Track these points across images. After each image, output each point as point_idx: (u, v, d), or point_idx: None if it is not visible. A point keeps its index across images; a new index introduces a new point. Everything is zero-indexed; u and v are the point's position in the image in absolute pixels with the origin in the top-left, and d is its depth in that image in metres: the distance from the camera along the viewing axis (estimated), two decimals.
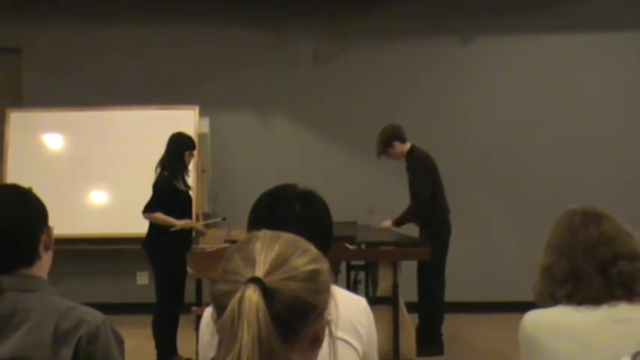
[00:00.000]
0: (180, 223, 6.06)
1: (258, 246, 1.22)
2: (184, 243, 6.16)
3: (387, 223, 6.74)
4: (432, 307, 6.56)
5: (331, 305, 1.24)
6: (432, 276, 6.46)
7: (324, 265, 1.24)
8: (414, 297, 6.57)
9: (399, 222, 6.70)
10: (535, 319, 2.12)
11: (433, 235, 6.39)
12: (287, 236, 1.26)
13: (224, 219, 7.18)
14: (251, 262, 1.19)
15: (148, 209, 6.08)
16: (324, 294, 1.22)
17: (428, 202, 6.51)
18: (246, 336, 1.10)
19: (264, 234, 1.26)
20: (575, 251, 2.13)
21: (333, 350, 1.25)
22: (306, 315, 1.18)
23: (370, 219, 7.05)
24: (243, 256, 1.21)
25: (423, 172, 6.57)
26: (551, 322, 2.08)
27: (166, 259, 6.05)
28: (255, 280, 1.15)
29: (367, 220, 7.06)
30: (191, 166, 6.46)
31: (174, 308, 6.08)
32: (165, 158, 6.16)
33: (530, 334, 2.10)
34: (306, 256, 1.22)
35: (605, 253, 2.10)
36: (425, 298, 6.59)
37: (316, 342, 1.23)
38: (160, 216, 6.05)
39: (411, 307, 6.13)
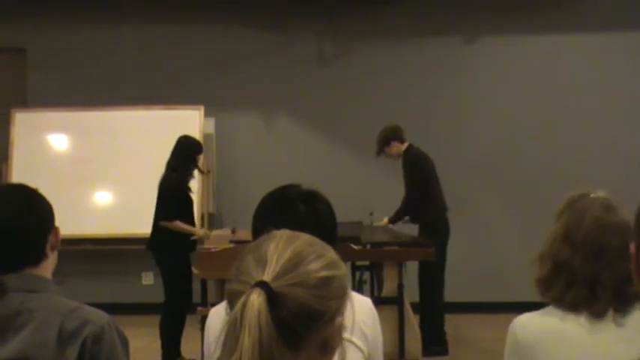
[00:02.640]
0: (200, 233, 6.10)
1: (272, 247, 1.19)
2: (189, 244, 6.17)
3: (385, 221, 6.82)
4: (432, 307, 6.57)
5: (347, 310, 1.21)
6: (431, 275, 6.47)
7: (338, 271, 1.20)
8: (417, 297, 6.58)
9: (392, 220, 6.77)
10: (526, 323, 2.02)
11: (431, 233, 6.40)
12: (304, 238, 1.22)
13: (233, 231, 7.02)
14: (262, 264, 1.17)
15: (167, 217, 6.06)
16: (336, 300, 1.18)
17: (418, 201, 6.55)
18: (247, 341, 1.09)
19: (281, 234, 1.23)
20: (601, 257, 1.97)
21: (342, 353, 1.23)
22: (313, 322, 1.16)
23: (372, 221, 7.05)
24: (256, 256, 1.19)
25: (415, 171, 6.60)
26: (545, 328, 1.99)
27: (172, 260, 6.05)
28: (262, 284, 1.13)
29: (369, 223, 7.07)
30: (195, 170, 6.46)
31: (181, 309, 6.09)
32: (174, 160, 6.15)
33: (522, 340, 2.00)
34: (320, 261, 1.19)
35: (627, 269, 1.98)
36: (425, 297, 6.60)
37: (326, 348, 1.20)
38: (180, 225, 6.05)
39: (413, 308, 6.13)
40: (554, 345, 1.96)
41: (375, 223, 7.03)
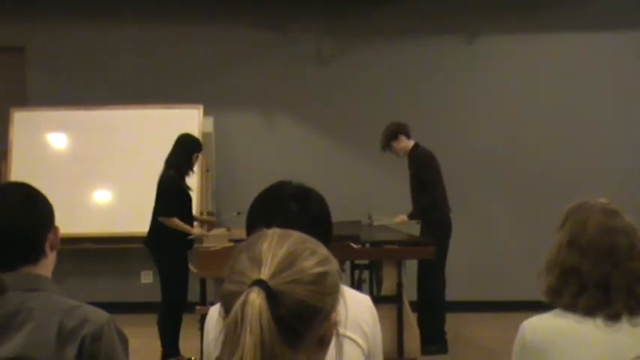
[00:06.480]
0: (196, 232, 6.13)
1: (265, 246, 1.19)
2: (186, 241, 6.17)
3: (402, 217, 6.75)
4: (432, 306, 6.57)
5: (340, 305, 1.22)
6: (432, 274, 6.47)
7: (332, 267, 1.21)
8: (415, 296, 6.58)
9: (411, 217, 6.70)
10: (536, 325, 2.02)
11: (434, 233, 6.39)
12: (296, 236, 1.23)
13: (228, 229, 6.94)
14: (257, 263, 1.16)
15: (165, 213, 6.08)
16: (331, 296, 1.20)
17: (425, 200, 6.54)
18: (249, 341, 1.09)
19: (272, 233, 1.23)
20: (611, 258, 1.97)
21: (340, 350, 1.24)
22: (312, 318, 1.16)
23: (372, 223, 7.01)
24: (250, 256, 1.19)
25: (424, 170, 6.60)
26: (559, 329, 1.98)
27: (169, 257, 6.06)
28: (260, 283, 1.13)
29: (369, 224, 7.04)
30: (195, 167, 6.46)
31: (178, 307, 6.09)
32: (173, 158, 6.17)
33: (532, 341, 2.00)
34: (314, 258, 1.19)
35: (636, 268, 1.97)
36: (425, 296, 6.59)
37: (323, 342, 1.21)
38: (178, 222, 6.06)
39: (412, 306, 6.14)
40: (570, 346, 1.95)
41: (376, 223, 7.01)
